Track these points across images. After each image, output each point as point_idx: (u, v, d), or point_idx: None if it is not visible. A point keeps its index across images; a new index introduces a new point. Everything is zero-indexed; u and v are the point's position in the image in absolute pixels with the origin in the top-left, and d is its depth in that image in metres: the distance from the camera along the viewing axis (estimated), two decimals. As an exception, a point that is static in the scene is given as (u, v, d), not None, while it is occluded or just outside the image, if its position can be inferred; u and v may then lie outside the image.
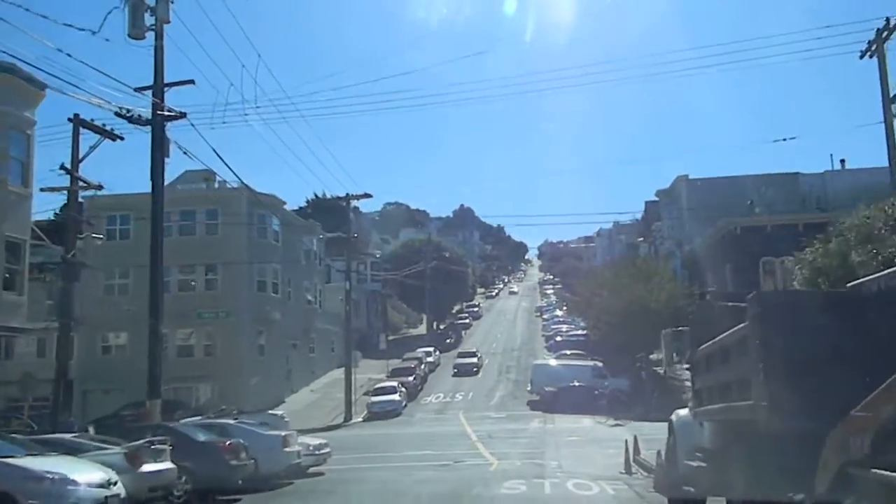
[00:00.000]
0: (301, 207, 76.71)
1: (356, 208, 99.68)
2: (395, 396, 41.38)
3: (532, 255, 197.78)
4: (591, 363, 44.90)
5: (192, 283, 41.22)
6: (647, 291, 43.12)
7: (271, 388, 44.10)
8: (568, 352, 50.61)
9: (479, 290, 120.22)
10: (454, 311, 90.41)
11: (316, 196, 76.77)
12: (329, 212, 77.98)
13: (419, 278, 70.52)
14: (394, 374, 47.59)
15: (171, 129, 20.05)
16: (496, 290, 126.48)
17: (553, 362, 46.62)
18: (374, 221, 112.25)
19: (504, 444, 26.07)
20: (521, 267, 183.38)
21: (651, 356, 46.21)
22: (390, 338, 78.01)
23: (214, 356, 41.05)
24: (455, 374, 51.29)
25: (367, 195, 41.44)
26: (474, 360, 54.40)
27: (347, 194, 41.21)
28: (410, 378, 46.51)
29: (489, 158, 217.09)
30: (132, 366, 39.13)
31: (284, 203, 45.43)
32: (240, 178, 29.24)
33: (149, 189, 20.39)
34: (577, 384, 40.55)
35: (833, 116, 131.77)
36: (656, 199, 68.16)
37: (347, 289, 41.33)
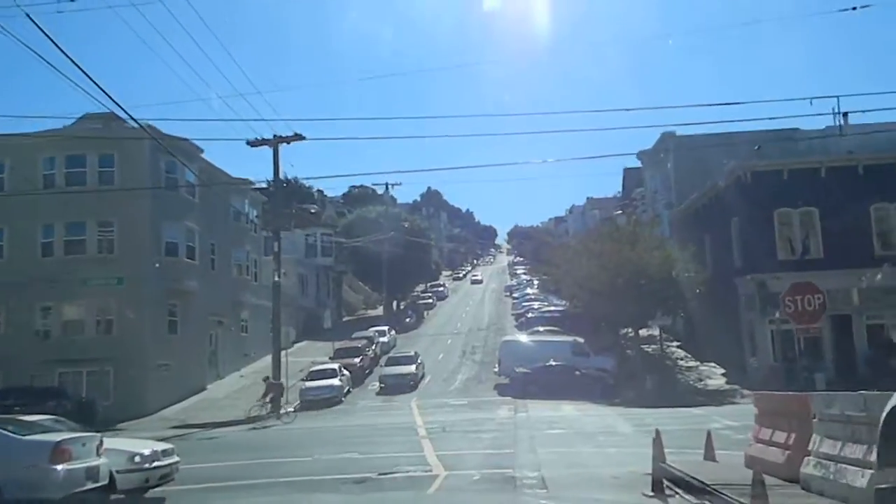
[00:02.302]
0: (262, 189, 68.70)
1: (320, 191, 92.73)
2: (335, 381, 34.11)
3: (501, 240, 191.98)
4: (570, 339, 38.01)
5: (83, 244, 33.36)
6: (636, 255, 36.37)
7: (188, 373, 36.64)
8: (542, 328, 43.70)
9: (446, 273, 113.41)
10: (418, 292, 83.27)
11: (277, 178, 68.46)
12: (294, 194, 70.33)
13: (377, 254, 63.19)
14: (337, 355, 40.31)
15: None
16: (463, 273, 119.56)
17: (524, 338, 39.62)
18: (339, 204, 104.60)
19: (461, 441, 19.03)
20: (491, 251, 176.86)
21: (642, 331, 39.41)
22: (345, 319, 70.84)
23: (111, 334, 33.35)
24: (380, 392, 35.91)
25: (299, 136, 33.90)
26: (410, 368, 37.14)
27: (275, 135, 33.67)
28: (356, 360, 39.25)
29: (459, 141, 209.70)
30: None
31: (201, 151, 37.72)
32: (128, 113, 21.40)
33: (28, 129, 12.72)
34: (553, 363, 33.66)
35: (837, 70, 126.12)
36: (638, 164, 61.54)
37: (276, 250, 33.78)
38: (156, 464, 12.27)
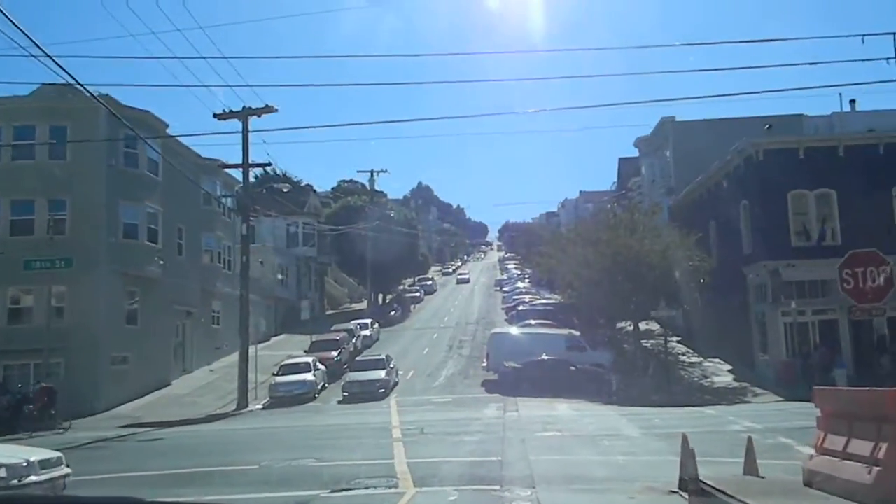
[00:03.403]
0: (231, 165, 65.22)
1: (309, 185, 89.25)
2: (307, 376, 31.15)
3: (492, 237, 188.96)
4: (564, 332, 35.16)
5: (30, 224, 30.26)
6: (635, 242, 33.62)
7: (150, 367, 33.57)
8: (533, 322, 40.81)
9: (436, 268, 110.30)
10: (405, 285, 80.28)
11: (265, 172, 65.45)
12: (283, 193, 66.60)
13: (362, 245, 60.15)
14: (314, 348, 37.31)
15: None
16: (453, 268, 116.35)
17: (515, 331, 36.67)
18: (327, 198, 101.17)
19: (439, 446, 16.15)
20: (481, 248, 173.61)
21: (643, 324, 36.60)
22: (329, 312, 67.89)
23: (63, 323, 30.23)
24: (343, 401, 29.66)
25: (270, 108, 30.91)
26: (379, 374, 30.97)
27: (244, 107, 30.71)
28: (333, 353, 36.26)
29: (449, 138, 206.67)
30: None
31: (166, 125, 34.62)
32: (76, 80, 18.53)
33: None
34: (546, 358, 30.80)
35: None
36: (635, 152, 58.84)
37: (244, 232, 30.78)
38: (30, 478, 9.36)
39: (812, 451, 9.46)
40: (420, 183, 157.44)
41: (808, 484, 8.91)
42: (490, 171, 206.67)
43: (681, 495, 9.29)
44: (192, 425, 24.94)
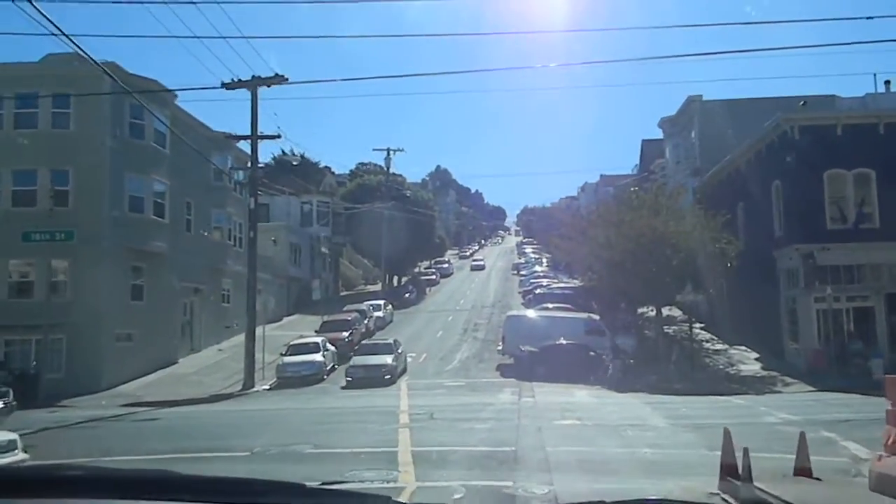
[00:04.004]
0: (268, 165, 64.35)
1: (327, 168, 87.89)
2: (317, 357, 30.07)
3: (510, 222, 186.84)
4: (583, 316, 33.81)
5: (32, 195, 29.26)
6: (660, 223, 32.11)
7: (156, 345, 32.66)
8: (551, 305, 39.47)
9: (453, 252, 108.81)
10: (421, 268, 79.13)
11: (283, 152, 64.30)
12: (296, 173, 65.70)
13: (378, 225, 58.92)
14: (324, 329, 36.29)
15: None
16: (470, 251, 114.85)
17: (532, 314, 35.37)
18: (345, 179, 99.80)
19: (448, 433, 14.92)
20: (499, 233, 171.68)
21: (664, 310, 35.09)
22: (343, 293, 66.88)
23: (65, 298, 29.31)
24: (346, 386, 27.67)
25: (280, 78, 29.68)
26: (385, 359, 28.92)
27: (253, 76, 29.48)
28: (344, 334, 35.17)
29: (468, 121, 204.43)
30: None
31: (175, 96, 33.47)
32: (78, 46, 17.53)
33: None
34: (564, 342, 29.50)
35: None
36: (658, 134, 57.05)
37: (252, 207, 29.63)
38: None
39: (864, 450, 8.08)
40: (438, 167, 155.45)
41: (877, 489, 7.57)
42: (509, 155, 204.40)
43: (725, 499, 7.97)
44: (193, 405, 23.95)
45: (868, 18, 69.08)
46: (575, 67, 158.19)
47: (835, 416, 16.48)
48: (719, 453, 11.76)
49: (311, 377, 29.10)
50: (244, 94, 30.03)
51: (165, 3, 20.61)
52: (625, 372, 26.86)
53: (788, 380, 26.26)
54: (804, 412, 17.40)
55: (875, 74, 60.11)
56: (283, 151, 65.14)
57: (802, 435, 9.44)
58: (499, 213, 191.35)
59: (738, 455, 10.13)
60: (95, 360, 29.10)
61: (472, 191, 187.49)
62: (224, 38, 58.85)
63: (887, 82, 43.52)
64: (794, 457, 10.52)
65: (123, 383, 29.56)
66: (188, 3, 21.03)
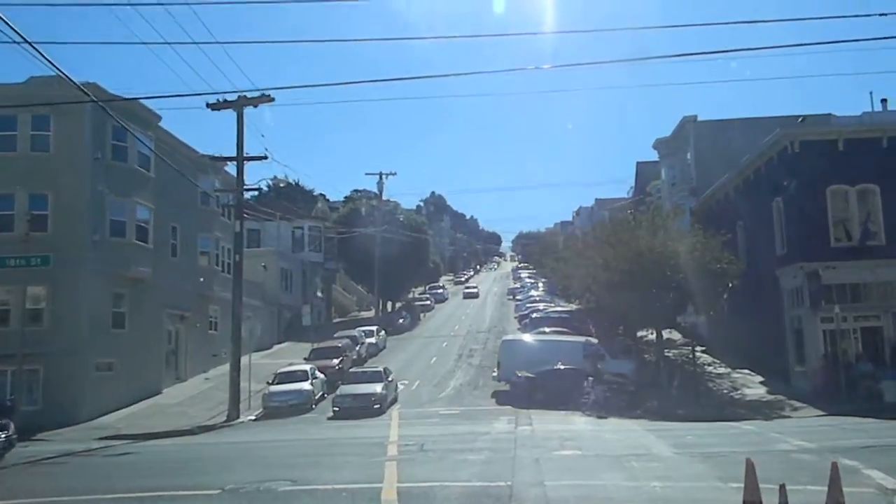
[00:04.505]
0: (261, 192, 63.66)
1: (322, 195, 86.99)
2: (304, 385, 28.90)
3: (506, 248, 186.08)
4: (581, 339, 32.75)
5: (10, 220, 28.19)
6: (658, 243, 31.24)
7: (139, 375, 31.46)
8: (547, 329, 38.39)
9: (448, 277, 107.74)
10: (416, 294, 78.03)
11: (276, 178, 63.77)
12: (289, 198, 65.10)
13: (371, 251, 57.92)
14: (314, 356, 35.14)
15: None
16: (465, 276, 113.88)
17: (528, 338, 34.30)
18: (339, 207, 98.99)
19: (439, 466, 13.81)
20: (495, 258, 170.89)
21: (666, 332, 34.04)
22: (336, 320, 65.62)
23: (42, 326, 28.15)
24: (333, 417, 26.39)
25: (267, 97, 28.87)
26: (374, 388, 27.35)
27: (240, 96, 28.68)
28: (334, 361, 34.01)
29: (463, 148, 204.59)
30: None
31: (159, 118, 32.63)
32: (55, 66, 16.46)
33: None
34: (562, 367, 28.41)
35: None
36: (655, 156, 56.30)
37: (237, 230, 28.64)
38: None
39: (891, 480, 7.06)
40: (433, 193, 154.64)
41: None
42: (504, 181, 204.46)
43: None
44: (173, 438, 22.77)
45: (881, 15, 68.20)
46: (569, 94, 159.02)
47: (854, 443, 15.42)
48: (734, 485, 10.71)
49: (298, 407, 27.90)
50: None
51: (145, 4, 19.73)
52: (606, 397, 25.68)
53: (796, 404, 25.16)
54: (819, 438, 16.33)
55: (871, 93, 59.51)
56: (275, 177, 64.60)
57: (835, 467, 8.42)
58: (494, 239, 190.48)
59: (762, 487, 9.10)
60: (75, 391, 27.87)
61: (468, 217, 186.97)
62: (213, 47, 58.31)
63: (884, 100, 42.85)
64: (818, 488, 9.52)
65: (104, 415, 28.33)
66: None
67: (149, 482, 13.15)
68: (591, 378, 27.06)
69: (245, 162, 29.62)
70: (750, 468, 7.94)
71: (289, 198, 66.30)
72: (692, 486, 11.43)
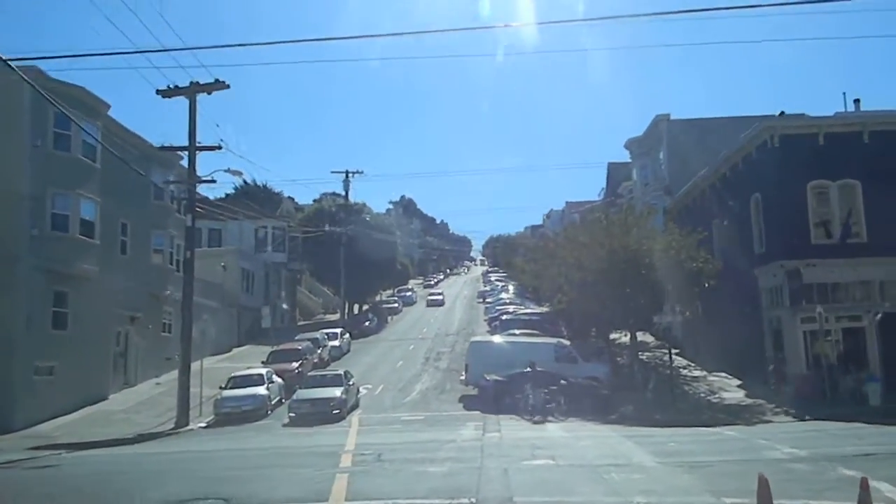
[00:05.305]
0: (228, 195, 61.87)
1: (291, 199, 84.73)
2: (259, 390, 27.16)
3: (476, 252, 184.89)
4: (552, 341, 31.41)
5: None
6: (632, 241, 30.04)
7: (83, 379, 29.37)
8: (517, 331, 36.98)
9: (417, 281, 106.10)
10: (384, 296, 76.23)
11: (245, 182, 61.58)
12: (260, 201, 62.99)
13: (337, 252, 56.13)
14: (273, 359, 33.37)
15: None
16: (435, 280, 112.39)
17: (497, 339, 32.88)
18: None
19: (395, 480, 12.25)
20: (465, 263, 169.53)
21: (639, 334, 32.85)
22: (301, 323, 63.69)
23: (-26, 328, 26.06)
24: (289, 423, 24.74)
25: (221, 84, 27.13)
26: (333, 392, 25.84)
27: (192, 82, 26.88)
28: (294, 365, 32.27)
29: (434, 152, 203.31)
30: None
31: (108, 106, 30.67)
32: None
33: None
34: (532, 370, 26.95)
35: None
36: (627, 156, 55.29)
37: (189, 224, 26.84)
38: None
39: None
40: (403, 196, 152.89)
41: None
42: (475, 186, 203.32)
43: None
44: (113, 447, 20.91)
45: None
46: (538, 95, 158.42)
47: (848, 450, 14.19)
48: (729, 501, 9.22)
49: (252, 413, 26.17)
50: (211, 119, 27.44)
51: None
52: (546, 401, 24.31)
53: (777, 408, 24.03)
54: (810, 445, 15.08)
55: (845, 93, 59.07)
56: (246, 183, 62.51)
57: (864, 482, 7.05)
58: (464, 243, 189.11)
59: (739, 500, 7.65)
60: (9, 396, 25.73)
61: (438, 221, 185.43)
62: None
63: (857, 100, 42.36)
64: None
65: (42, 422, 26.23)
66: None
67: (63, 499, 11.43)
68: (563, 381, 25.72)
69: (198, 152, 27.82)
70: (763, 484, 6.57)
71: (255, 198, 64.30)
72: (681, 502, 10.03)
